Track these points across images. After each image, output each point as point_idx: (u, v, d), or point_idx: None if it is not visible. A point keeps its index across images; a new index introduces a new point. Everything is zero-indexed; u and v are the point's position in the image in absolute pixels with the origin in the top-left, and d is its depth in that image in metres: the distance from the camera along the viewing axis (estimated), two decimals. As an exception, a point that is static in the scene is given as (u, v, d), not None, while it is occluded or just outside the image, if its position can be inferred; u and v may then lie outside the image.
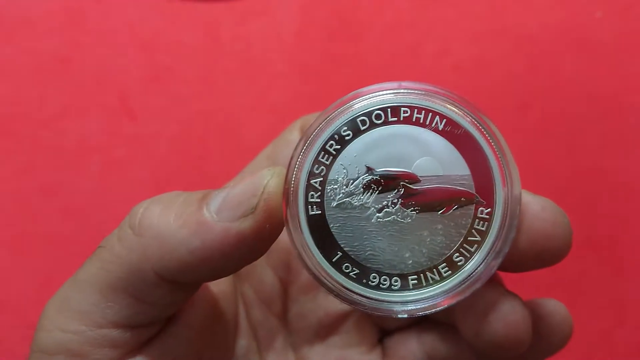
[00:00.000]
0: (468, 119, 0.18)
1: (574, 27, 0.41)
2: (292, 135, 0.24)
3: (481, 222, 0.18)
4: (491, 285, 0.20)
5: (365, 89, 0.18)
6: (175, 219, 0.18)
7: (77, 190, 0.38)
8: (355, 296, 0.18)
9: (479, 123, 0.18)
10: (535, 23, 0.41)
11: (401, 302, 0.18)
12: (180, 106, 0.40)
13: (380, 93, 0.18)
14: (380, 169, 0.18)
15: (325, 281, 0.18)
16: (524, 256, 0.19)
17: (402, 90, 0.18)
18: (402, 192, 0.18)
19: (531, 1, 0.42)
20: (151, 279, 0.18)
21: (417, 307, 0.18)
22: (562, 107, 0.40)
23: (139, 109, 0.40)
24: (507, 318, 0.19)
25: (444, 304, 0.18)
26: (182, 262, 0.18)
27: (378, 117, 0.18)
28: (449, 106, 0.18)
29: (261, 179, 0.18)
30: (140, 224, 0.19)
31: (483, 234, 0.18)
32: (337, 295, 0.18)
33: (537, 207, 0.19)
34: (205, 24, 0.42)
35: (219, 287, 0.23)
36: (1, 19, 0.42)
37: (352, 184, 0.18)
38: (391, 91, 0.18)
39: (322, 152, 0.18)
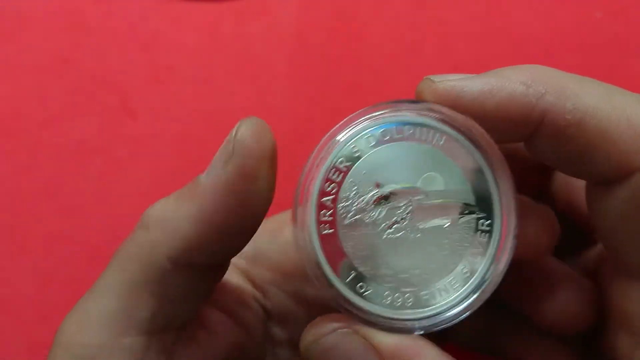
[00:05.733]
0: (469, 136, 0.18)
1: (573, 27, 0.41)
2: None
3: (483, 233, 0.18)
4: (559, 267, 0.20)
5: (370, 108, 0.19)
6: (174, 200, 0.19)
7: (77, 190, 0.38)
8: (370, 316, 0.18)
9: (478, 140, 0.19)
10: (535, 23, 0.41)
11: (415, 319, 0.18)
12: (180, 106, 0.40)
13: (384, 112, 0.19)
14: (388, 185, 0.18)
15: (341, 303, 0.18)
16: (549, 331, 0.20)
17: (405, 110, 0.19)
18: (410, 208, 0.18)
19: (531, 1, 0.42)
20: (166, 268, 0.19)
21: (431, 322, 0.18)
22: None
23: (140, 109, 0.40)
24: (578, 296, 0.20)
25: (457, 317, 0.18)
26: (187, 236, 0.18)
27: (384, 134, 0.19)
28: (447, 123, 0.19)
29: (233, 129, 0.19)
30: (148, 218, 0.19)
31: (485, 245, 0.18)
32: (355, 317, 0.18)
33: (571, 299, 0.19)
34: (205, 24, 0.42)
35: (248, 329, 0.23)
36: (1, 19, 0.41)
37: (363, 201, 0.18)
38: (395, 110, 0.19)
39: (333, 170, 0.18)
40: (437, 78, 0.19)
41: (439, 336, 0.19)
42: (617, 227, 0.18)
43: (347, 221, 0.18)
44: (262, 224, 0.19)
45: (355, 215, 0.18)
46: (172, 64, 0.41)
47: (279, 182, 0.20)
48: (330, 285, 0.18)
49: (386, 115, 0.19)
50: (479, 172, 0.18)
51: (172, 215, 0.19)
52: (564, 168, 0.19)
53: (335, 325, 0.18)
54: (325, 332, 0.18)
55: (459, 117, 0.18)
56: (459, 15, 0.42)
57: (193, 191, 0.19)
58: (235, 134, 0.19)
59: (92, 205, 0.38)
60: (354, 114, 0.19)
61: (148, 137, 0.39)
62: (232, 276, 0.24)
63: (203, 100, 0.40)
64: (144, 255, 0.19)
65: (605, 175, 0.18)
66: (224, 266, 0.21)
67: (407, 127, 0.18)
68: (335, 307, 0.18)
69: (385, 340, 0.18)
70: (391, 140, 0.19)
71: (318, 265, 0.18)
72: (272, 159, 0.19)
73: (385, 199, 0.18)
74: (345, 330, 0.18)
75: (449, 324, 0.18)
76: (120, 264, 0.19)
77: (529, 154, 0.19)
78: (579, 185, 0.21)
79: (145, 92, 0.40)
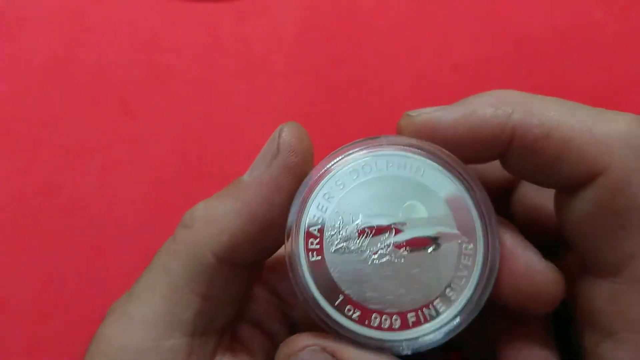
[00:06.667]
0: (446, 166, 0.20)
1: (574, 27, 0.41)
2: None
3: (466, 257, 0.19)
4: (528, 249, 0.20)
5: (352, 144, 0.20)
6: (218, 198, 0.20)
7: (77, 190, 0.38)
8: (359, 338, 0.19)
9: (455, 169, 0.20)
10: (535, 23, 0.41)
11: (403, 340, 0.19)
12: (180, 106, 0.40)
13: (367, 147, 0.20)
14: (372, 214, 0.20)
15: (330, 325, 0.19)
16: (516, 309, 0.20)
17: (385, 145, 0.20)
18: (393, 235, 0.19)
19: (531, 2, 0.42)
20: (210, 264, 0.19)
21: (419, 343, 0.19)
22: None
23: (139, 109, 0.40)
24: (545, 276, 0.20)
25: (443, 338, 0.19)
26: (232, 230, 0.19)
27: (366, 168, 0.20)
28: (428, 156, 0.20)
29: (276, 131, 0.20)
30: (191, 217, 0.20)
31: (469, 269, 0.19)
32: (342, 337, 0.19)
33: (521, 267, 0.20)
34: (205, 24, 0.42)
35: (277, 341, 0.23)
36: (1, 19, 0.42)
37: (347, 230, 0.19)
38: (377, 145, 0.20)
39: (319, 202, 0.20)
40: (414, 113, 0.20)
41: (444, 346, 0.19)
42: (584, 228, 0.19)
43: (333, 248, 0.19)
44: None
45: (340, 243, 0.19)
46: (171, 64, 0.41)
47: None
48: (321, 309, 0.19)
49: (369, 150, 0.20)
50: (459, 199, 0.20)
51: (216, 212, 0.20)
52: (537, 180, 0.20)
53: (305, 342, 0.19)
54: (296, 349, 0.19)
55: (436, 149, 0.20)
56: (459, 16, 0.42)
57: (236, 188, 0.20)
58: (279, 135, 0.20)
59: (92, 205, 0.38)
60: (338, 149, 0.20)
61: (148, 137, 0.39)
62: (260, 289, 0.25)
63: (203, 100, 0.40)
64: (188, 253, 0.19)
65: (573, 181, 0.19)
66: (260, 267, 0.22)
67: (388, 160, 0.20)
68: (327, 330, 0.19)
69: (352, 355, 0.19)
70: (373, 173, 0.20)
71: (308, 291, 0.19)
72: (312, 158, 0.20)
73: (369, 227, 0.19)
74: (314, 347, 0.19)
75: (435, 345, 0.19)
76: (162, 263, 0.20)
77: (507, 171, 0.21)
78: (536, 203, 0.23)
79: (145, 92, 0.40)
